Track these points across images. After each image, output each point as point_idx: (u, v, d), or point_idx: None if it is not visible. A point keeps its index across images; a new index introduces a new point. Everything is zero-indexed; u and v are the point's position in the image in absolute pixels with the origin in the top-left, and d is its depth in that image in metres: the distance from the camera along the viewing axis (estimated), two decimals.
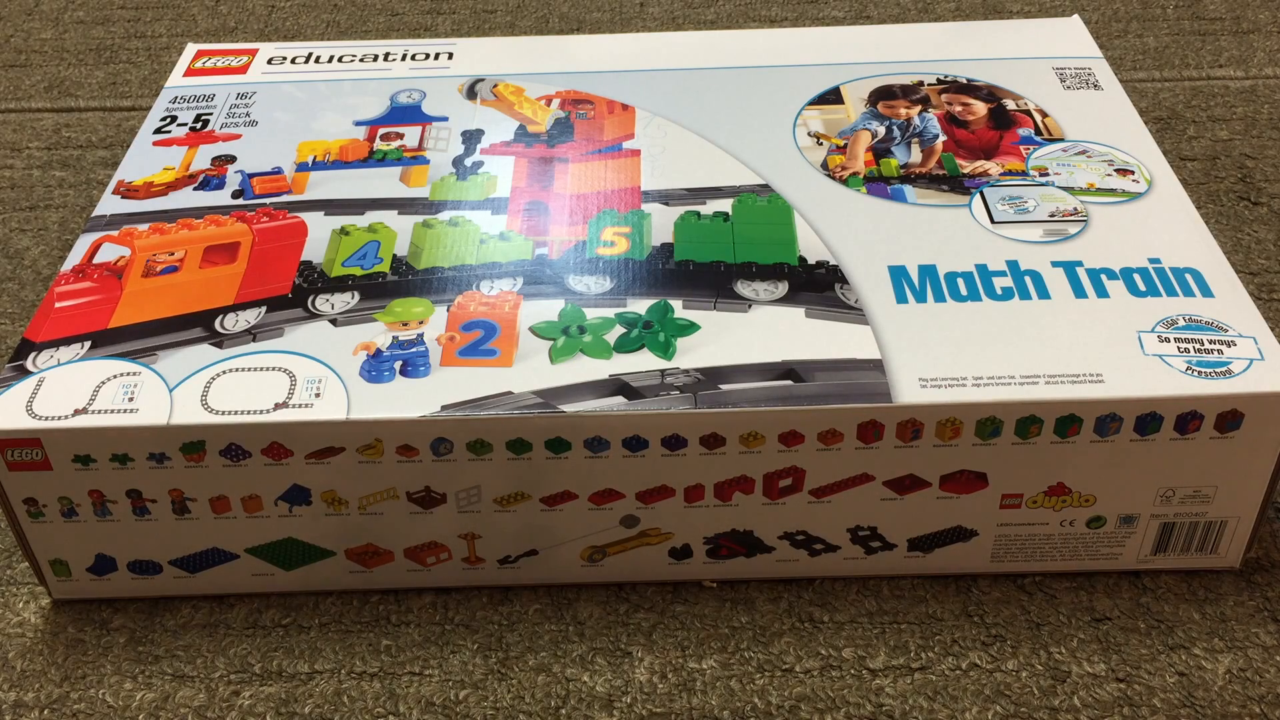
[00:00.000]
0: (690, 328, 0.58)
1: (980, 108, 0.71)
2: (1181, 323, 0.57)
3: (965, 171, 0.66)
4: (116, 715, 0.55)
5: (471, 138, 0.71)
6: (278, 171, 0.69)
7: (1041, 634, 0.57)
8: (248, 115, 0.73)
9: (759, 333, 0.57)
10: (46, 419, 0.54)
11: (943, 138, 0.69)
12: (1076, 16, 0.80)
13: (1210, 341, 0.55)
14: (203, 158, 0.70)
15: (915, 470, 0.56)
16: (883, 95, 0.73)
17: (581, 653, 0.57)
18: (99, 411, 0.54)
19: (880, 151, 0.68)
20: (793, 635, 0.57)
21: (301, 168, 0.69)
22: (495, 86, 0.75)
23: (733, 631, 0.58)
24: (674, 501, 0.57)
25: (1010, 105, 0.71)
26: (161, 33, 1.08)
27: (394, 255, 0.62)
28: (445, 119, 0.73)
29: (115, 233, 0.65)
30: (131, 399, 0.55)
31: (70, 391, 0.55)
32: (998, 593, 0.59)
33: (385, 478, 0.56)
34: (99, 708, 0.55)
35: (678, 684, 0.56)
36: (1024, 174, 0.66)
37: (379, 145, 0.70)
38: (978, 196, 0.64)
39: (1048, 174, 0.66)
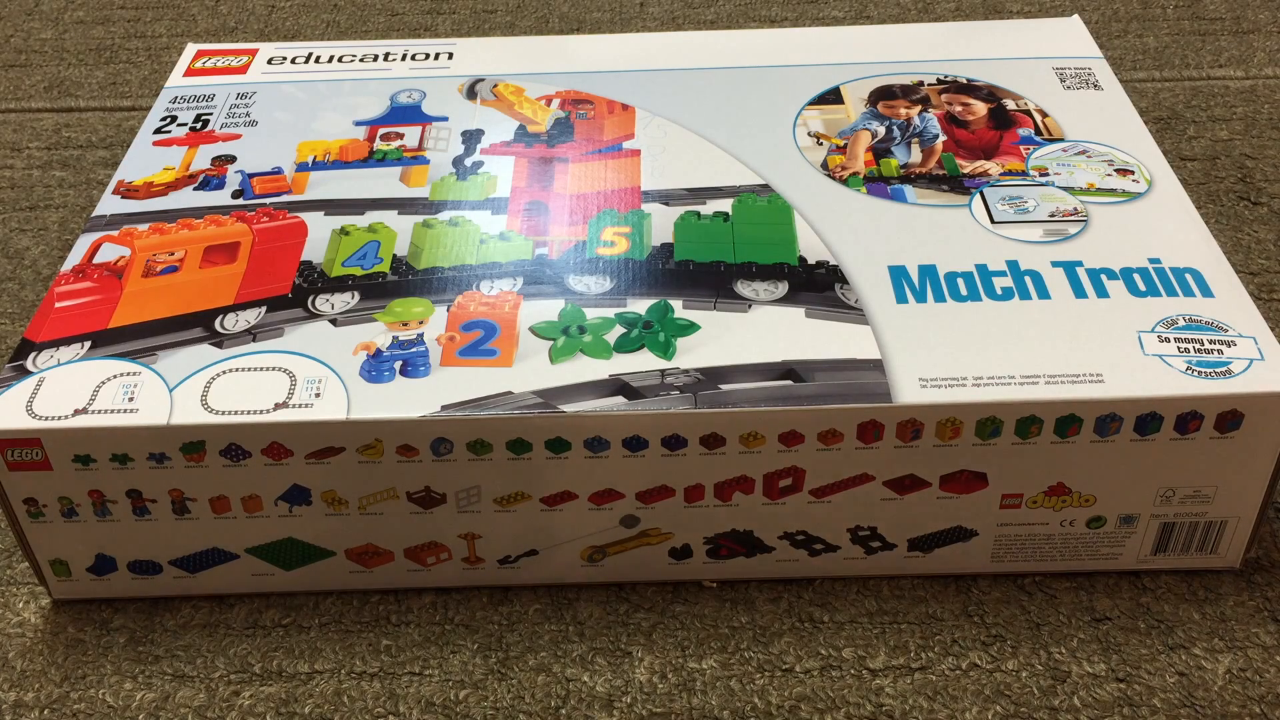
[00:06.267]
0: (690, 328, 0.58)
1: (980, 108, 0.71)
2: (1181, 323, 0.57)
3: (965, 171, 0.66)
4: (116, 715, 0.55)
5: (471, 138, 0.71)
6: (278, 171, 0.69)
7: (1041, 634, 0.57)
8: (248, 115, 0.73)
9: (759, 333, 0.57)
10: (46, 419, 0.54)
11: (943, 138, 0.69)
12: (1076, 16, 0.80)
13: (1210, 341, 0.55)
14: (203, 158, 0.70)
15: (915, 470, 0.56)
16: (883, 95, 0.73)
17: (581, 653, 0.57)
18: (99, 411, 0.54)
19: (880, 151, 0.68)
20: (793, 635, 0.57)
21: (301, 168, 0.69)
22: (495, 86, 0.75)
23: (733, 631, 0.58)
24: (674, 501, 0.57)
25: (1010, 105, 0.71)
26: (161, 33, 1.08)
27: (394, 255, 0.62)
28: (445, 119, 0.73)
29: (115, 233, 0.65)
30: (131, 399, 0.55)
31: (70, 391, 0.55)
32: (998, 593, 0.59)
33: (385, 478, 0.56)
34: (99, 708, 0.55)
35: (678, 684, 0.56)
36: (1024, 174, 0.66)
37: (379, 145, 0.70)
38: (978, 196, 0.64)
39: (1048, 174, 0.66)
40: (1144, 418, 0.54)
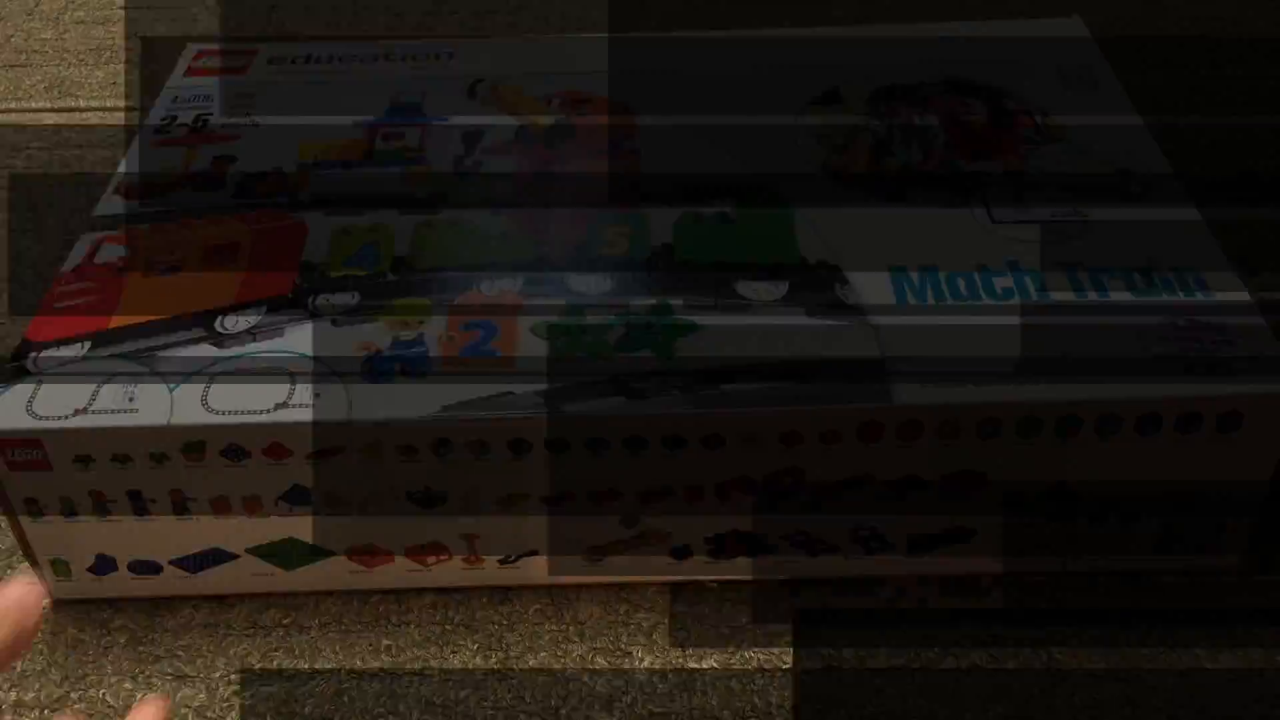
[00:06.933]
0: (690, 328, 0.58)
1: (980, 108, 0.71)
2: (1181, 323, 0.56)
3: (965, 171, 0.66)
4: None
5: (471, 138, 0.71)
6: (278, 171, 0.69)
7: (1041, 634, 0.57)
8: (248, 115, 0.73)
9: (759, 333, 0.57)
10: (46, 419, 0.54)
11: (943, 138, 0.69)
12: (1076, 16, 0.80)
13: (1210, 342, 0.55)
14: (203, 158, 0.70)
15: (915, 470, 0.56)
16: (883, 95, 0.73)
17: (581, 653, 0.57)
18: (99, 411, 0.54)
19: (880, 151, 0.68)
20: (793, 635, 0.57)
21: (301, 168, 0.69)
22: (495, 86, 0.75)
23: (733, 631, 0.58)
24: (674, 501, 0.57)
25: (1010, 105, 0.71)
26: (161, 33, 1.08)
27: (394, 255, 0.62)
28: (445, 119, 0.73)
29: (115, 233, 0.65)
30: (131, 399, 0.55)
31: (70, 391, 0.55)
32: (998, 593, 0.59)
33: (385, 478, 0.56)
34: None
35: (678, 684, 0.56)
36: (1024, 174, 0.66)
37: (379, 145, 0.70)
38: (978, 196, 0.64)
39: (1048, 174, 0.66)
40: (1144, 418, 0.54)
